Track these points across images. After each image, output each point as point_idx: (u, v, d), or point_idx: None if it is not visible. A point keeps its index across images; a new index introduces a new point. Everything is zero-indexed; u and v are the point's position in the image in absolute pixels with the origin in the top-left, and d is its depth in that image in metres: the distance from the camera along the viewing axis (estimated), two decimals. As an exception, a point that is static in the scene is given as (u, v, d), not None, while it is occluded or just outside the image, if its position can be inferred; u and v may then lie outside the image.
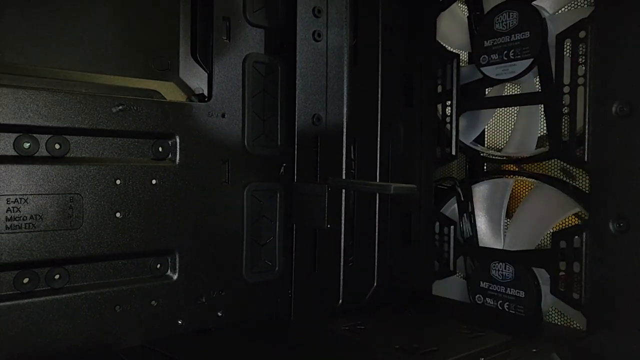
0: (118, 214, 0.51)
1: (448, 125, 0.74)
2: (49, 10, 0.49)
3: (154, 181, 0.53)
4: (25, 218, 0.46)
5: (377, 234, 0.68)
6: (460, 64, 0.74)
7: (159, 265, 0.54)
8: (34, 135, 0.47)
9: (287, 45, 0.62)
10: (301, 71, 0.60)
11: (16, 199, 0.46)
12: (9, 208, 0.45)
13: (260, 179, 0.61)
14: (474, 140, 0.77)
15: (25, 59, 0.48)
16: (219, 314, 0.58)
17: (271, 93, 0.62)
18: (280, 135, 0.62)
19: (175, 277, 0.55)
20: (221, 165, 0.58)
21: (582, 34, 0.59)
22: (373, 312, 0.63)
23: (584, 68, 0.59)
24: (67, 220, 0.48)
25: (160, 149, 0.54)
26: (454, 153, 0.74)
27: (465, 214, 0.73)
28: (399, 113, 0.71)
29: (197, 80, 0.59)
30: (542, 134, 0.70)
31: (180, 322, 0.55)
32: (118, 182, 0.51)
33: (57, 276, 0.48)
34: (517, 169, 0.74)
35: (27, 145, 0.47)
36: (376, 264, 0.68)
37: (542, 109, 0.66)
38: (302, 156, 0.61)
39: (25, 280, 0.47)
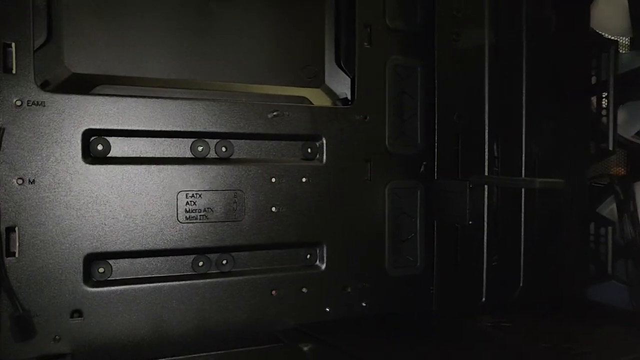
0: (273, 209, 0.57)
1: (604, 119, 0.69)
2: (215, 35, 0.57)
3: (303, 179, 0.58)
4: (200, 211, 0.54)
5: (522, 232, 0.66)
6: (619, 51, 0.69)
7: (308, 256, 0.60)
8: (206, 140, 0.55)
9: (426, 46, 0.64)
10: (441, 71, 0.62)
11: (193, 194, 0.54)
12: (187, 202, 0.54)
13: (401, 177, 0.63)
14: (635, 134, 0.71)
15: (198, 75, 0.57)
16: (364, 304, 0.61)
17: (411, 94, 0.64)
18: (420, 134, 0.64)
19: (323, 267, 0.60)
20: (364, 164, 0.61)
21: None
22: (519, 311, 0.62)
23: None
24: (232, 213, 0.55)
25: (309, 150, 0.59)
26: (611, 148, 0.68)
27: (626, 214, 0.67)
28: (546, 107, 0.68)
29: (341, 86, 0.63)
30: None
31: (327, 309, 0.60)
32: (273, 180, 0.57)
33: (224, 261, 0.56)
34: (690, 164, 0.66)
35: (200, 148, 0.55)
36: (522, 263, 0.66)
37: None
38: (442, 154, 0.62)
39: (201, 263, 0.55)
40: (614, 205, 0.69)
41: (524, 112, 0.66)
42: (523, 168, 0.66)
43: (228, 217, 0.55)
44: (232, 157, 0.57)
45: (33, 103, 0.48)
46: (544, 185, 0.52)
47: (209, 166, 0.55)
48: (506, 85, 0.65)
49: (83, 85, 0.52)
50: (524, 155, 0.66)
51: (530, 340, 0.50)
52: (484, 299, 0.63)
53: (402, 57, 0.63)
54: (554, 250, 0.69)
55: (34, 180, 0.48)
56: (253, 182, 0.56)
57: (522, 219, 0.66)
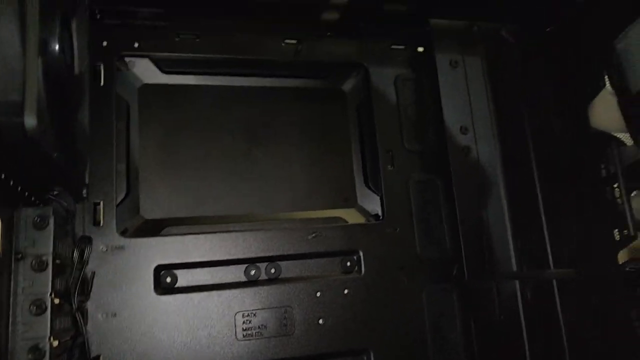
0: (320, 321, 0.63)
1: (620, 207, 0.73)
2: (260, 175, 0.68)
3: (346, 291, 0.65)
4: (255, 328, 0.61)
5: (563, 327, 0.68)
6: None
7: (358, 364, 0.64)
8: (257, 264, 0.64)
9: (442, 162, 0.72)
10: (457, 183, 0.69)
11: (248, 313, 0.61)
12: (244, 321, 0.61)
13: (435, 280, 0.68)
14: (657, 217, 0.74)
15: (247, 210, 0.67)
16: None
17: (434, 205, 0.71)
18: (448, 239, 0.70)
19: (372, 374, 0.64)
20: (399, 271, 0.67)
21: None
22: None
23: None
24: (283, 328, 0.62)
25: (348, 263, 0.66)
26: (632, 234, 0.72)
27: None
28: (564, 204, 0.73)
29: (372, 204, 0.72)
30: None
31: (381, 416, 0.63)
32: (318, 294, 0.64)
33: (280, 374, 0.61)
34: None
35: (252, 272, 0.63)
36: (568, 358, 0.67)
37: None
38: (469, 255, 0.67)
39: (259, 378, 0.61)
40: (653, 289, 0.71)
41: (541, 209, 0.71)
42: (551, 261, 0.70)
43: (280, 332, 0.61)
44: (281, 276, 0.64)
45: (115, 248, 0.59)
46: (553, 276, 0.56)
47: (260, 287, 0.62)
48: (521, 185, 0.72)
49: (154, 228, 0.63)
50: (549, 249, 0.70)
51: None
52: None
53: (422, 173, 0.72)
54: (599, 345, 0.70)
55: (115, 313, 0.57)
56: (300, 297, 0.63)
57: (560, 313, 0.68)
